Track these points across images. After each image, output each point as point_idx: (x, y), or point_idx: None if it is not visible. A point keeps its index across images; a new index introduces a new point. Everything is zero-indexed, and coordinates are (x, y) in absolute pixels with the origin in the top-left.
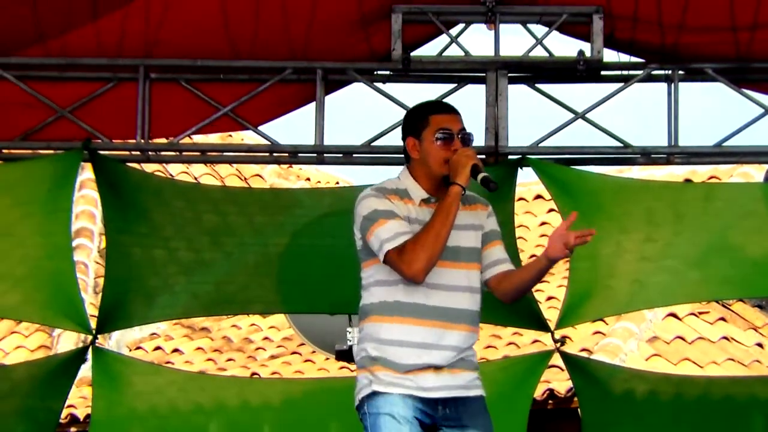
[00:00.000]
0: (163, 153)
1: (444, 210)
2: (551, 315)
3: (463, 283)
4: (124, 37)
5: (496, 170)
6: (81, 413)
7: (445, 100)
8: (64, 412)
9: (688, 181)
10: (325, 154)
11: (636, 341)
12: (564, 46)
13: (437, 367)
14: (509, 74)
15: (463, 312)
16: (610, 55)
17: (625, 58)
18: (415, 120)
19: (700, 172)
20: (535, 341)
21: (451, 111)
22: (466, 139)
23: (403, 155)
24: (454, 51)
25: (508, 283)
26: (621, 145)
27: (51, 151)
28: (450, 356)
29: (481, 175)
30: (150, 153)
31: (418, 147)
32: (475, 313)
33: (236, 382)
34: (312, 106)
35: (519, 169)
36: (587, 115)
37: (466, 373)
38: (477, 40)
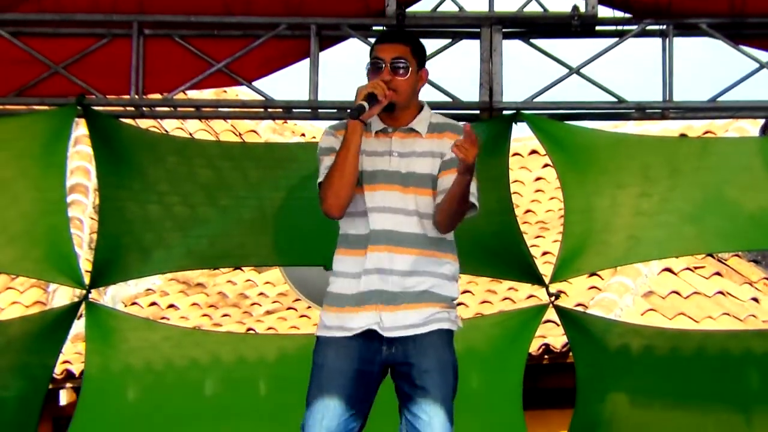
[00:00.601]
0: (157, 108)
1: (343, 145)
2: (546, 270)
3: (410, 207)
4: None
5: (491, 126)
6: (77, 369)
7: (390, 32)
8: (60, 368)
9: (683, 136)
10: (319, 110)
11: (631, 296)
12: (558, 2)
13: (380, 300)
14: (504, 29)
15: (410, 235)
16: (604, 11)
17: (619, 13)
18: (370, 51)
19: (695, 127)
20: (531, 296)
21: (386, 40)
22: (396, 67)
23: None
24: (448, 6)
25: (438, 208)
26: (616, 100)
27: (45, 107)
28: (394, 283)
29: (357, 103)
30: (144, 108)
31: (367, 77)
32: (428, 237)
33: (232, 337)
34: (306, 61)
35: (513, 124)
36: (582, 70)
37: (419, 309)
38: None
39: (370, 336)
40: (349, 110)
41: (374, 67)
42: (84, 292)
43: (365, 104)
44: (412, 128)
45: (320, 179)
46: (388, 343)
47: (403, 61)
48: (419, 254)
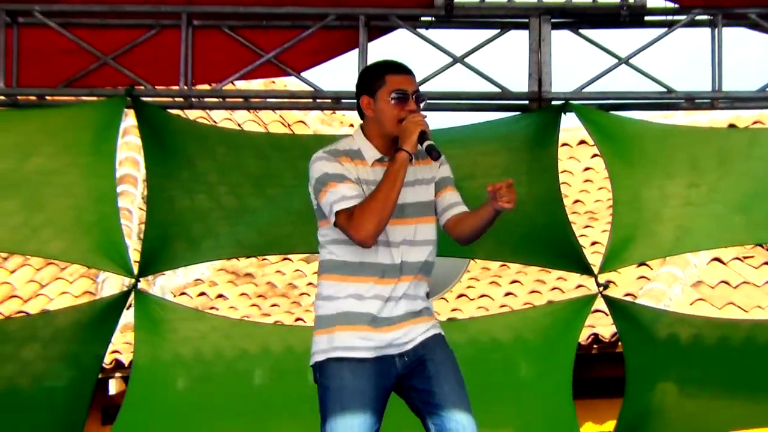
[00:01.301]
0: (206, 99)
1: (392, 176)
2: (595, 260)
3: (409, 238)
4: None
5: (540, 116)
6: (126, 358)
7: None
8: (109, 358)
9: (732, 126)
10: None
11: (680, 286)
12: None
13: (390, 322)
14: (552, 20)
15: (411, 265)
16: (653, 1)
17: (668, 3)
18: (371, 79)
19: (744, 117)
20: (579, 286)
21: (407, 72)
22: (420, 99)
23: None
24: None
25: (462, 227)
26: (665, 90)
27: (94, 98)
28: (402, 308)
29: (426, 143)
30: (193, 99)
31: (372, 106)
32: (424, 264)
33: (281, 328)
34: (355, 52)
35: (562, 114)
36: (631, 61)
37: (420, 324)
38: None
39: (383, 356)
40: (428, 144)
41: (401, 98)
42: (133, 281)
43: (434, 143)
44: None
45: (342, 206)
46: (399, 356)
47: (422, 94)
48: (420, 280)
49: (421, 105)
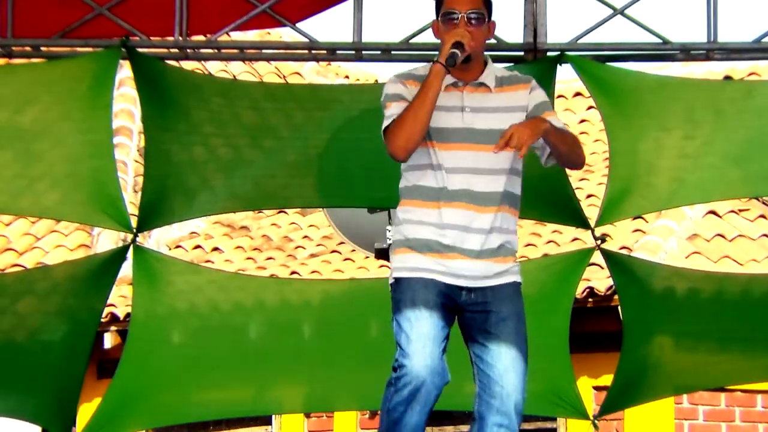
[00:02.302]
0: (201, 50)
1: (423, 88)
2: (591, 213)
3: (491, 166)
4: None
5: (535, 67)
6: (121, 312)
7: None
8: (105, 312)
9: (727, 77)
10: (363, 51)
11: (676, 239)
12: None
13: (462, 252)
14: None
15: (490, 195)
16: None
17: None
18: (437, 2)
19: (739, 69)
20: (575, 239)
21: None
22: (472, 19)
23: None
24: None
25: (554, 158)
26: (660, 41)
27: (89, 49)
28: (477, 240)
29: (450, 51)
30: (188, 50)
31: (438, 29)
32: (506, 194)
33: (276, 281)
34: (350, 2)
35: (558, 65)
36: (626, 11)
37: (497, 262)
38: None
39: (451, 282)
40: (451, 52)
41: (448, 20)
42: (131, 235)
43: (458, 52)
44: (482, 83)
45: (386, 124)
46: (467, 290)
47: (478, 11)
48: (496, 211)
49: (474, 23)
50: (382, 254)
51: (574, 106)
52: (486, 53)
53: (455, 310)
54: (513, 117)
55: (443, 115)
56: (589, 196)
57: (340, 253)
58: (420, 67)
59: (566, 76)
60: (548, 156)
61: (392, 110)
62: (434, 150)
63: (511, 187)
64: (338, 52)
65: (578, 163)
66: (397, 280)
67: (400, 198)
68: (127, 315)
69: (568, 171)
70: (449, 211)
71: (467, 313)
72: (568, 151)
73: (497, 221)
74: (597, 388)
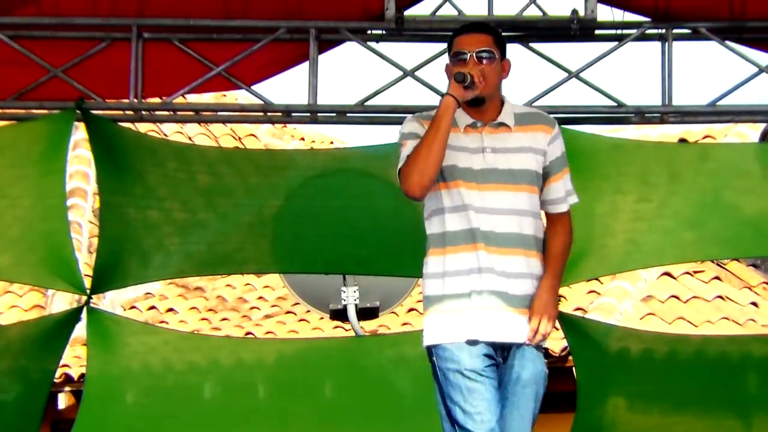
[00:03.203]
0: (156, 112)
1: (434, 122)
2: None
3: (508, 206)
4: None
5: None
6: (75, 372)
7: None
8: (59, 372)
9: (682, 140)
10: (318, 114)
11: (631, 300)
12: (557, 5)
13: (498, 300)
14: (503, 33)
15: (511, 236)
16: (604, 14)
17: (619, 17)
18: (448, 45)
19: (694, 132)
20: None
21: (470, 30)
22: (481, 57)
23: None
24: (447, 10)
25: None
26: (615, 104)
27: (44, 111)
28: (506, 284)
29: (456, 72)
30: (143, 112)
31: (450, 71)
32: (525, 236)
33: (230, 341)
34: (305, 65)
35: None
36: (581, 74)
37: (525, 314)
38: None
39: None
40: (446, 92)
41: (458, 60)
42: (85, 297)
43: (468, 75)
44: (501, 122)
45: (401, 165)
46: (499, 350)
47: (487, 50)
48: (521, 255)
49: (485, 62)
50: (337, 315)
51: None
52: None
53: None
54: (533, 159)
55: (464, 156)
56: None
57: (295, 314)
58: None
59: None
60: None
61: (407, 150)
62: (459, 191)
63: (535, 230)
64: (293, 114)
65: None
66: (436, 345)
67: (426, 247)
68: (82, 375)
69: None
70: (478, 254)
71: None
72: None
73: (520, 266)
74: None
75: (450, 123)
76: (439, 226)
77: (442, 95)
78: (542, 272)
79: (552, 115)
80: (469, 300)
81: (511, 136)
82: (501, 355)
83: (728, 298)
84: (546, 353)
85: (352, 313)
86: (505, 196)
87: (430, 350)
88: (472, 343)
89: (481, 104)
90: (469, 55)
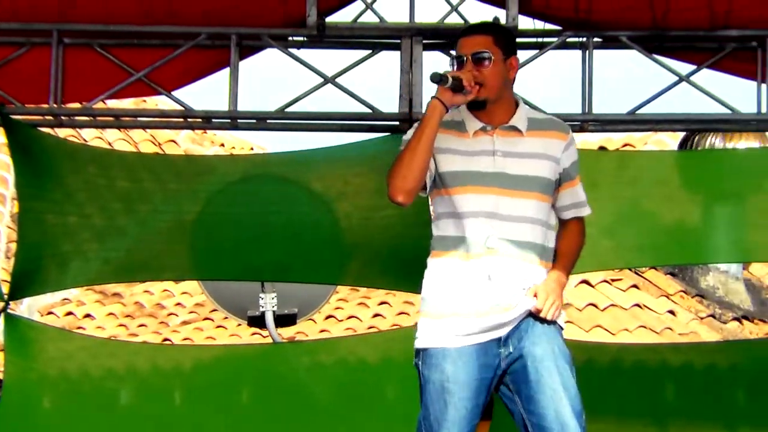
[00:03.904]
0: (76, 118)
1: (418, 126)
2: None
3: (519, 213)
4: (37, 1)
5: None
6: None
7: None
8: None
9: (602, 148)
10: (238, 120)
11: None
12: (479, 13)
13: (499, 306)
14: (424, 41)
15: (518, 243)
16: (525, 22)
17: (540, 25)
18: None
19: (614, 140)
20: None
21: (469, 32)
22: (478, 59)
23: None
24: (369, 17)
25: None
26: None
27: None
28: (511, 290)
29: (434, 73)
30: (63, 118)
31: None
32: (533, 245)
33: (147, 347)
34: (226, 71)
35: None
36: None
37: (523, 305)
38: (392, 6)
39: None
40: (429, 76)
41: (457, 64)
42: (2, 303)
43: (448, 75)
44: (513, 126)
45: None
46: (504, 343)
47: (484, 51)
48: (529, 262)
49: (485, 64)
50: (255, 322)
51: None
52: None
53: (500, 375)
54: (545, 165)
55: (476, 160)
56: None
57: (213, 320)
58: (454, 112)
59: None
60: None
61: None
62: (465, 196)
63: (543, 239)
64: (214, 120)
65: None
66: (422, 350)
67: (431, 250)
68: (0, 381)
69: None
70: (483, 261)
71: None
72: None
73: (527, 273)
74: None
75: (435, 127)
76: (443, 230)
77: (430, 79)
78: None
79: None
80: (466, 305)
81: (522, 141)
82: (508, 349)
83: (646, 306)
84: None
85: (269, 319)
86: (514, 203)
87: (418, 353)
88: (459, 350)
89: (484, 107)
90: (466, 57)
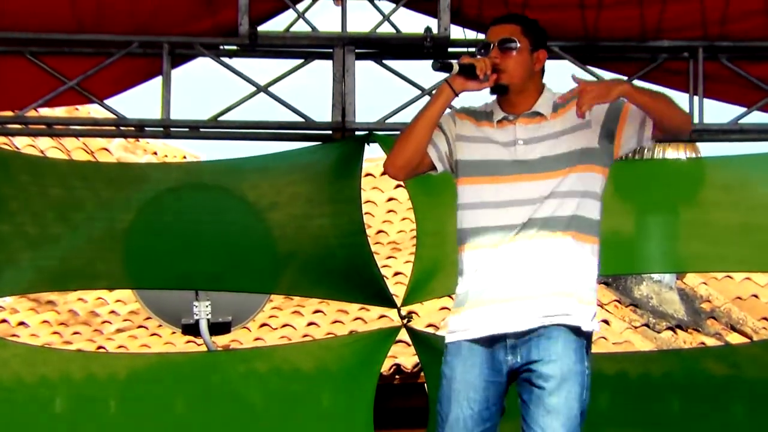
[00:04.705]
0: (8, 125)
1: (424, 107)
2: (398, 291)
3: (543, 194)
4: None
5: (343, 146)
6: None
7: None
8: None
9: None
10: (171, 128)
11: None
12: (411, 23)
13: (525, 293)
14: (356, 50)
15: (540, 221)
16: (457, 32)
17: (471, 35)
18: None
19: None
20: (382, 316)
21: (495, 23)
22: (503, 47)
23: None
24: (301, 26)
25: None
26: None
27: None
28: (519, 274)
29: (442, 60)
30: None
31: None
32: (562, 219)
33: (82, 355)
34: (158, 80)
35: (366, 145)
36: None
37: (543, 301)
38: (324, 15)
39: (495, 338)
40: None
41: (484, 51)
42: None
43: (455, 63)
44: (536, 111)
45: None
46: (512, 351)
47: (510, 39)
48: (558, 236)
49: (508, 51)
50: (189, 330)
51: (382, 185)
52: (290, 131)
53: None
54: (575, 137)
55: (494, 150)
56: (396, 273)
57: (147, 328)
58: (483, 105)
59: (376, 155)
60: (644, 126)
61: None
62: (481, 186)
63: (577, 209)
64: (146, 128)
65: (680, 124)
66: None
67: (457, 245)
68: None
69: (375, 249)
70: (506, 247)
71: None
72: (662, 113)
73: (565, 247)
74: None
75: (439, 109)
76: (460, 223)
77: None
78: (580, 250)
79: None
80: (482, 296)
81: (546, 124)
82: (515, 358)
83: None
84: (398, 369)
85: (204, 327)
86: (537, 186)
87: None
88: (472, 342)
89: (505, 93)
90: (492, 45)
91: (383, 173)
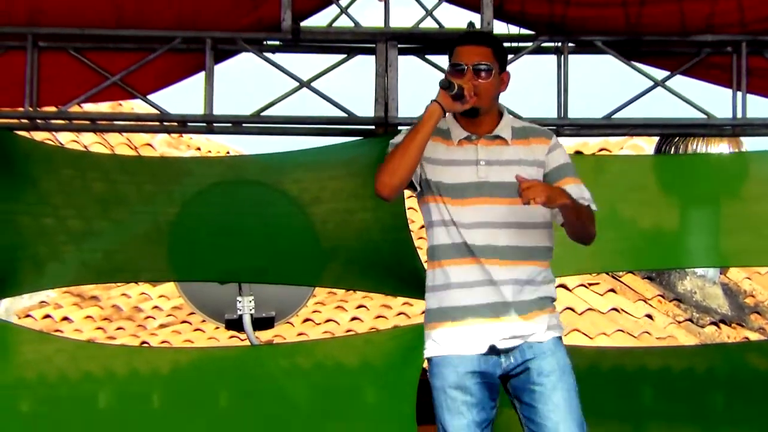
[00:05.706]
0: (52, 121)
1: (415, 127)
2: None
3: (503, 219)
4: (9, 4)
5: (386, 141)
6: None
7: (465, 38)
8: None
9: (578, 153)
10: (214, 124)
11: None
12: (454, 17)
13: (496, 312)
14: (399, 45)
15: (506, 249)
16: (500, 27)
17: (514, 29)
18: (449, 54)
19: (590, 145)
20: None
21: (467, 42)
22: (478, 70)
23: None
24: (344, 21)
25: (565, 228)
26: None
27: None
28: (509, 293)
29: (442, 80)
30: (38, 121)
31: None
32: (523, 249)
33: (125, 350)
34: (201, 75)
35: None
36: None
37: (532, 318)
38: (367, 11)
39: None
40: (433, 99)
41: (455, 71)
42: None
43: (454, 84)
44: (497, 135)
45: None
46: (505, 353)
47: (485, 64)
48: (519, 265)
49: (482, 75)
50: (232, 325)
51: None
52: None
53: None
54: (529, 170)
55: (460, 170)
56: None
57: (191, 323)
58: (443, 120)
59: None
60: (561, 223)
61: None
62: (446, 206)
63: (537, 240)
64: (189, 124)
65: (586, 239)
66: (430, 360)
67: (427, 260)
68: None
69: (418, 244)
70: (475, 267)
71: (512, 379)
72: (578, 228)
73: (525, 274)
74: None
75: (431, 130)
76: (431, 240)
77: (439, 85)
78: (547, 279)
79: None
80: (461, 313)
81: (507, 149)
82: (507, 361)
83: (623, 310)
84: None
85: (247, 322)
86: (499, 210)
87: (428, 362)
88: (461, 357)
89: (476, 116)
90: (466, 67)
91: None
